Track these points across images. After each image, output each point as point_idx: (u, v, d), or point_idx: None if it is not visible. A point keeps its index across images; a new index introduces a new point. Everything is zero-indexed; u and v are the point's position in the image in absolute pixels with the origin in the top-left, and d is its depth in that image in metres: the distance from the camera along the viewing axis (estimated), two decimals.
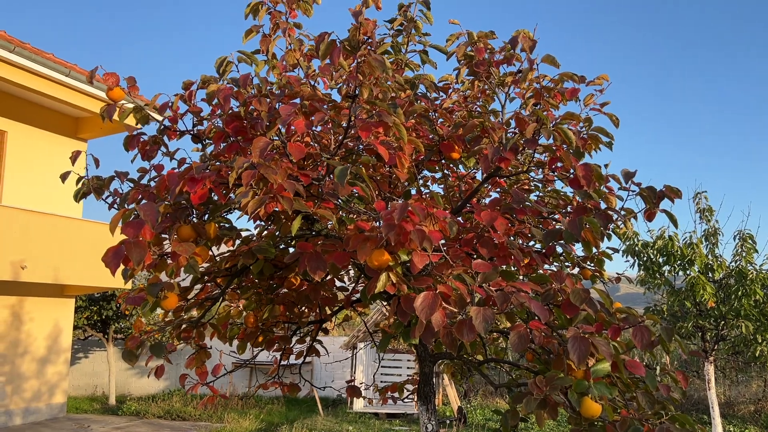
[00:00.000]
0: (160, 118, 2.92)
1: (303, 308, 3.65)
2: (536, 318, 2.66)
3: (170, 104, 2.82)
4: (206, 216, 2.68)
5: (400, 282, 2.48)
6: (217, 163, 2.63)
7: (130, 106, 3.11)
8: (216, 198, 2.70)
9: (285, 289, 3.60)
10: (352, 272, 4.02)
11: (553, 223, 3.31)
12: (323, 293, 3.51)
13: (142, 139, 2.93)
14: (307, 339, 4.06)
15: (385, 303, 4.81)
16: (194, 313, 3.42)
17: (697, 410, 12.06)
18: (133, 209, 2.44)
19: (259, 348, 3.76)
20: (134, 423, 11.63)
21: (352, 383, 4.00)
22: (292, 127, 2.29)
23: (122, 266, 2.46)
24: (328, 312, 3.73)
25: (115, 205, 3.19)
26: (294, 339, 3.95)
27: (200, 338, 3.41)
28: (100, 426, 11.25)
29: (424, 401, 3.41)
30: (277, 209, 2.72)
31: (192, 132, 3.00)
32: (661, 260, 8.77)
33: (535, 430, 10.39)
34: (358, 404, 12.26)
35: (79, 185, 3.10)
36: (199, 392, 15.00)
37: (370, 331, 4.60)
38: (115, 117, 2.86)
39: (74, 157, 3.05)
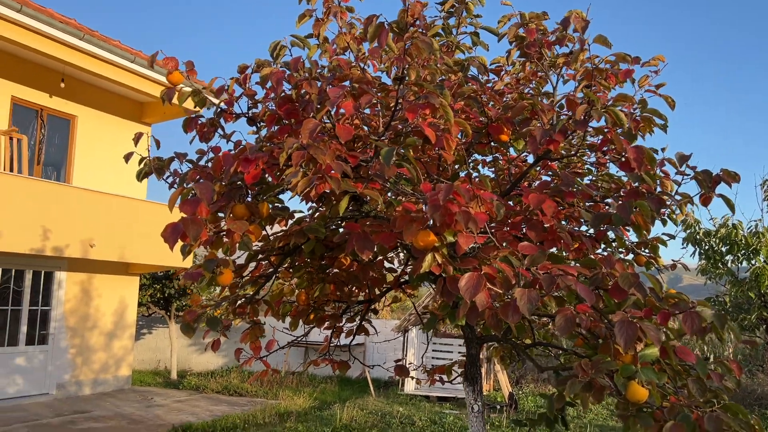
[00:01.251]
0: (217, 101, 3.03)
1: (353, 288, 3.73)
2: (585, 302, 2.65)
3: (226, 88, 2.92)
4: (259, 196, 2.78)
5: (446, 263, 2.51)
6: (270, 145, 2.71)
7: (189, 89, 3.24)
8: (269, 178, 2.79)
9: (335, 269, 3.69)
10: (402, 254, 4.07)
11: (606, 207, 3.26)
12: (372, 274, 3.58)
13: (199, 122, 3.04)
14: (357, 318, 4.14)
15: (432, 285, 4.84)
16: (249, 290, 3.55)
17: (760, 405, 11.63)
18: (191, 188, 2.55)
19: (311, 325, 3.87)
20: (194, 397, 12.10)
21: (401, 363, 4.07)
22: (342, 110, 2.34)
23: (180, 242, 2.59)
24: (377, 292, 3.79)
25: (175, 185, 3.34)
26: (344, 318, 4.04)
27: (254, 314, 3.54)
28: (162, 399, 11.76)
29: (470, 382, 3.45)
30: (327, 191, 2.80)
31: (247, 115, 3.10)
32: (723, 249, 8.47)
33: (587, 419, 10.26)
34: (409, 386, 12.38)
35: (141, 165, 3.25)
36: (252, 368, 15.45)
37: (420, 314, 4.65)
38: (174, 100, 2.99)
39: (137, 139, 3.20)
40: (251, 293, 3.51)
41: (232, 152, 2.63)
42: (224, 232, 2.73)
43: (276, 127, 2.72)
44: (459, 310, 2.47)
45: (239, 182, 2.73)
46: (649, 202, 2.41)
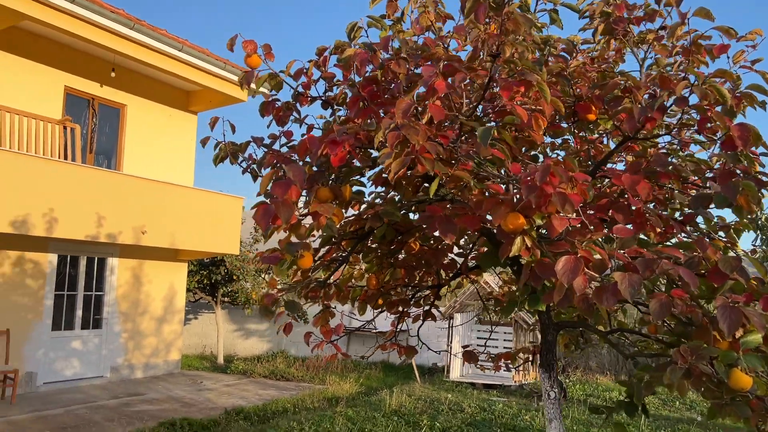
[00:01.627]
0: (293, 84, 3.01)
1: (422, 273, 3.70)
2: (674, 287, 2.56)
3: (305, 70, 2.89)
4: (340, 179, 2.75)
5: (534, 247, 2.45)
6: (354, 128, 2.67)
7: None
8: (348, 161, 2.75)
9: (403, 254, 3.66)
10: (462, 240, 4.01)
11: (689, 190, 3.15)
12: (444, 259, 3.54)
13: (276, 105, 3.03)
14: (422, 303, 4.11)
15: (500, 270, 4.76)
16: (321, 274, 3.54)
17: None
18: (272, 173, 2.53)
19: (379, 310, 3.85)
20: (242, 381, 12.29)
21: (468, 349, 4.03)
22: (434, 88, 2.28)
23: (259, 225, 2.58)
24: (446, 278, 3.75)
25: (248, 170, 3.35)
26: (410, 303, 4.01)
27: (326, 298, 3.53)
28: (212, 383, 11.98)
29: (546, 369, 3.38)
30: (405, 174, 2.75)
31: (323, 98, 3.07)
32: None
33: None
34: (455, 373, 12.34)
35: (217, 150, 3.26)
36: (299, 354, 15.60)
37: (484, 300, 4.59)
38: (252, 85, 2.98)
39: (213, 124, 3.20)
40: (323, 278, 3.50)
41: (313, 135, 2.60)
42: (304, 216, 2.72)
43: (356, 110, 2.68)
44: (551, 294, 2.41)
45: (315, 167, 2.71)
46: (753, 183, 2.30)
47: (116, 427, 8.14)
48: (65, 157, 10.45)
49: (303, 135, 3.34)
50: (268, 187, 2.34)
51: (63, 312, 10.88)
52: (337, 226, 3.28)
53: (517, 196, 2.44)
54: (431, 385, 11.84)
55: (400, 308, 3.75)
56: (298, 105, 3.08)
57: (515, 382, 11.71)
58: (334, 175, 2.73)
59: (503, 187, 2.53)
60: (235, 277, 14.42)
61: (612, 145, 3.41)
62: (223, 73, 12.19)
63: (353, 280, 3.68)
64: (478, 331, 12.98)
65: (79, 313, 11.13)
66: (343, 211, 3.21)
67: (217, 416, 8.82)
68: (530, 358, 4.19)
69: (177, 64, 11.49)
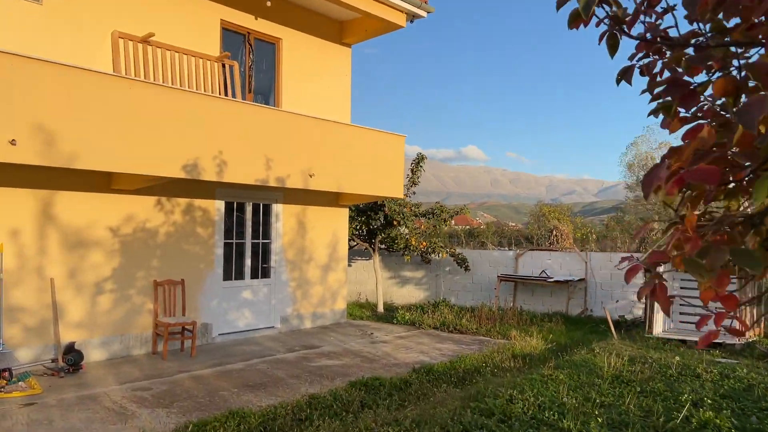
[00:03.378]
0: None
1: None
2: None
3: None
4: None
5: None
6: None
7: None
8: None
9: None
10: None
11: None
12: None
13: None
14: None
15: None
16: (729, 203, 2.16)
17: None
18: None
19: None
20: (413, 333, 11.41)
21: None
22: None
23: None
24: None
25: (617, 28, 1.99)
26: None
27: (738, 237, 2.15)
28: (383, 334, 11.19)
29: None
30: None
31: None
32: None
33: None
34: (657, 328, 10.66)
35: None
36: (472, 302, 14.49)
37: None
38: None
39: None
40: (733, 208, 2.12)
41: None
42: None
43: None
44: None
45: None
46: None
47: (304, 385, 7.43)
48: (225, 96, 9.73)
49: None
50: None
51: (233, 261, 10.42)
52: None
53: None
54: (631, 341, 10.26)
55: None
56: None
57: (739, 340, 9.85)
58: None
59: None
60: (395, 222, 13.46)
61: None
62: None
63: None
64: (682, 280, 11.11)
65: (248, 262, 10.63)
66: None
67: (405, 375, 7.90)
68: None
69: None
